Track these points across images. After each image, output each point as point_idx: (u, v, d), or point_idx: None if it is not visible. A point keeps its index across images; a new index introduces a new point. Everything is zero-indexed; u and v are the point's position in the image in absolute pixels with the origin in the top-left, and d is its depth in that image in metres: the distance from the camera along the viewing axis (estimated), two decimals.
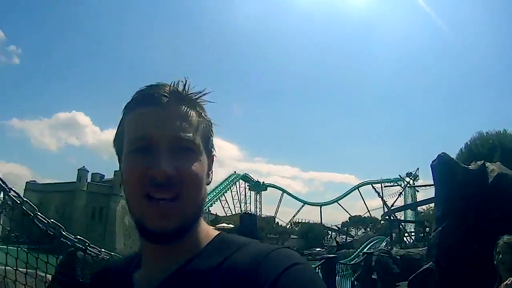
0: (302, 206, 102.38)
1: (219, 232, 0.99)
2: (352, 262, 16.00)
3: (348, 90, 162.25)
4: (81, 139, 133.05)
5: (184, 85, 0.95)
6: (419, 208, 59.48)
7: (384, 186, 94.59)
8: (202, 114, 0.97)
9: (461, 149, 43.55)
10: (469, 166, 6.30)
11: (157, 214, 0.85)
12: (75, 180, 64.83)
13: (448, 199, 6.05)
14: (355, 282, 13.72)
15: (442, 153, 6.22)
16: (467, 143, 43.09)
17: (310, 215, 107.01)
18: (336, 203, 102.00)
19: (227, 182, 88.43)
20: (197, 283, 0.85)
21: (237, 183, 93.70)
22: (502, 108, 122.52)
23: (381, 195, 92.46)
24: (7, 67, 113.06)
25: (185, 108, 0.93)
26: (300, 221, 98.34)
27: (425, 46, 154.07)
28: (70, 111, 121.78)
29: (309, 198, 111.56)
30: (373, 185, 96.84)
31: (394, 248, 25.90)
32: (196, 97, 0.96)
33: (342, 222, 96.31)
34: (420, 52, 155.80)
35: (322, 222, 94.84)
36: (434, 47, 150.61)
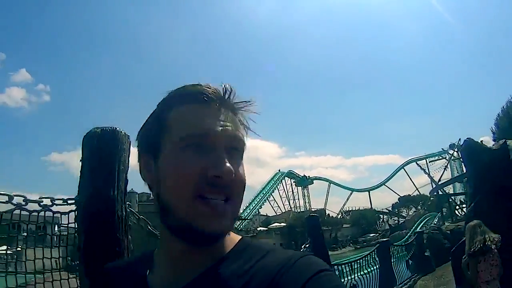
0: (351, 194, 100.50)
1: (241, 236, 0.99)
2: (405, 243, 16.57)
3: (378, 70, 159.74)
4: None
5: (230, 91, 0.93)
6: None
7: (429, 161, 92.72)
8: (244, 123, 0.96)
9: (498, 114, 43.15)
10: (492, 146, 7.08)
11: (213, 214, 0.83)
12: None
13: (477, 177, 6.81)
14: (410, 261, 14.33)
15: (468, 138, 6.95)
16: (503, 107, 42.65)
17: (359, 201, 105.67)
18: (383, 185, 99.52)
19: (272, 182, 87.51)
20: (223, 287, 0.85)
21: (283, 180, 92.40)
22: None
23: (427, 171, 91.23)
24: (39, 106, 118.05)
25: (235, 111, 0.93)
26: (350, 209, 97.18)
27: (455, 15, 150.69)
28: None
29: (356, 185, 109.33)
30: (418, 162, 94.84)
31: (445, 223, 26.18)
32: (244, 103, 0.95)
33: (392, 204, 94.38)
34: (450, 21, 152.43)
35: (372, 207, 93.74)
36: (464, 15, 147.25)
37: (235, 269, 0.86)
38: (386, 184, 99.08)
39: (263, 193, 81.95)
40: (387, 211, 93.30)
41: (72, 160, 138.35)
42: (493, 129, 44.83)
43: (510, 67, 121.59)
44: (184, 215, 0.84)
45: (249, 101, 0.95)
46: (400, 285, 11.11)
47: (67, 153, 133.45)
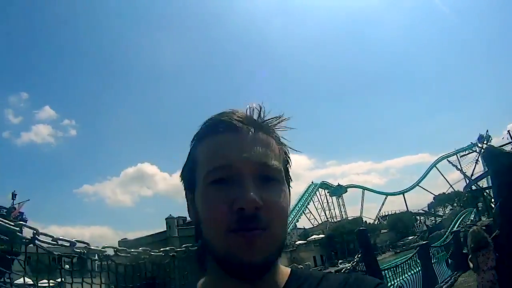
0: (385, 198, 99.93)
1: (290, 269, 0.97)
2: (443, 243, 16.94)
3: (399, 70, 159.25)
4: (152, 188, 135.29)
5: (259, 111, 0.92)
6: None
7: (460, 156, 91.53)
8: (280, 141, 0.93)
9: None
10: (511, 150, 7.83)
11: (246, 245, 0.80)
12: (165, 229, 66.91)
13: (500, 179, 7.53)
14: (449, 260, 14.74)
15: (489, 145, 7.61)
16: None
17: (394, 205, 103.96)
18: (417, 186, 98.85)
19: (307, 194, 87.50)
20: None
21: (317, 192, 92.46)
22: None
23: (459, 167, 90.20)
24: (66, 140, 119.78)
25: (264, 135, 0.88)
26: (386, 213, 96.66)
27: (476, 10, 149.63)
28: (135, 165, 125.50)
29: (389, 188, 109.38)
30: (448, 159, 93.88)
31: (482, 219, 26.35)
32: (274, 123, 0.93)
33: (428, 204, 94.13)
34: (473, 16, 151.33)
35: (408, 209, 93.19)
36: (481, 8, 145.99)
37: None
38: (419, 184, 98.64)
39: (298, 206, 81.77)
40: (423, 212, 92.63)
41: (104, 190, 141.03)
42: None
43: None
44: (220, 248, 0.82)
45: (279, 117, 0.93)
46: (442, 284, 11.45)
47: (99, 184, 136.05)
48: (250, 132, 0.86)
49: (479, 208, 41.98)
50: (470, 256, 7.18)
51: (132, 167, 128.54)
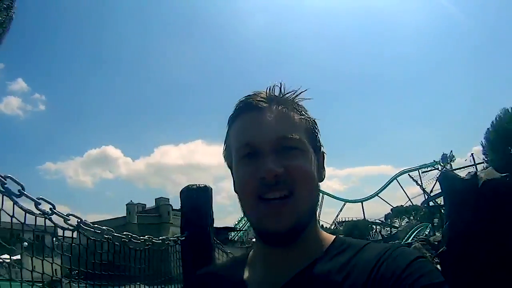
0: (344, 205, 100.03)
1: (336, 235, 1.02)
2: None
3: (371, 80, 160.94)
4: (114, 172, 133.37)
5: (280, 88, 1.00)
6: None
7: (422, 172, 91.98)
8: (303, 113, 0.99)
9: (488, 128, 44.76)
10: (465, 176, 8.53)
11: (271, 214, 0.88)
12: (124, 215, 66.27)
13: (452, 201, 8.21)
14: None
15: (444, 169, 8.33)
16: (492, 122, 44.23)
17: (352, 212, 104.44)
18: (376, 196, 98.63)
19: None
20: (324, 283, 0.87)
21: None
22: None
23: (419, 183, 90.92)
24: (34, 115, 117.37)
25: (284, 110, 0.96)
26: (343, 219, 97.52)
27: (448, 28, 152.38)
28: (100, 147, 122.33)
29: (349, 195, 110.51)
30: (410, 174, 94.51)
31: (436, 234, 27.42)
32: (292, 97, 1.00)
33: (385, 215, 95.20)
34: (442, 33, 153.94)
35: (366, 217, 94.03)
36: (456, 30, 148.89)
37: (332, 266, 0.89)
38: (379, 195, 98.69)
39: None
40: (380, 221, 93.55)
41: (67, 170, 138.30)
42: (483, 142, 46.43)
43: (502, 80, 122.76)
44: (254, 218, 0.93)
45: (295, 91, 1.01)
46: None
47: (62, 162, 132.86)
48: (270, 109, 0.95)
49: (435, 224, 43.16)
50: None
51: (96, 148, 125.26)
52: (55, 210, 1.78)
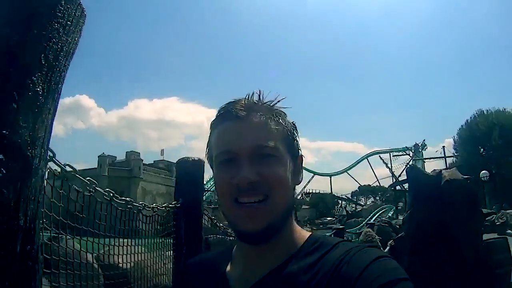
0: (312, 177, 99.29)
1: (311, 233, 1.03)
2: (358, 231, 18.42)
3: (355, 58, 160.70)
4: (86, 122, 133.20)
5: (259, 96, 1.02)
6: None
7: (393, 156, 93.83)
8: (280, 120, 1.01)
9: (462, 125, 45.92)
10: (430, 172, 9.17)
11: (245, 217, 0.93)
12: (95, 166, 65.13)
13: (416, 193, 8.75)
14: None
15: (412, 164, 8.85)
16: (467, 120, 45.35)
17: (320, 185, 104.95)
18: (345, 172, 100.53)
19: None
20: (292, 283, 0.90)
21: None
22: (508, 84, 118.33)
23: (389, 166, 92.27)
24: None
25: (262, 118, 0.98)
26: (310, 191, 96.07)
27: (433, 15, 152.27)
28: (74, 95, 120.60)
29: (318, 168, 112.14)
30: (381, 155, 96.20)
31: (399, 217, 28.25)
32: (270, 105, 1.02)
33: (352, 192, 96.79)
34: (428, 21, 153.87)
35: (332, 192, 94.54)
36: (442, 16, 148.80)
37: (301, 265, 0.92)
38: (348, 171, 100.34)
39: None
40: (346, 198, 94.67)
41: None
42: (455, 138, 47.59)
43: (489, 80, 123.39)
44: (230, 218, 0.98)
45: (273, 101, 1.03)
46: None
47: None
48: (248, 118, 0.97)
49: (399, 207, 43.84)
50: None
51: (70, 97, 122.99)
52: (55, 159, 1.66)
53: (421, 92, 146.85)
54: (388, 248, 9.65)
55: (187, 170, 3.76)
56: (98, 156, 67.01)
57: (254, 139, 0.95)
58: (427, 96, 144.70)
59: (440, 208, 8.13)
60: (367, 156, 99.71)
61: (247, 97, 1.02)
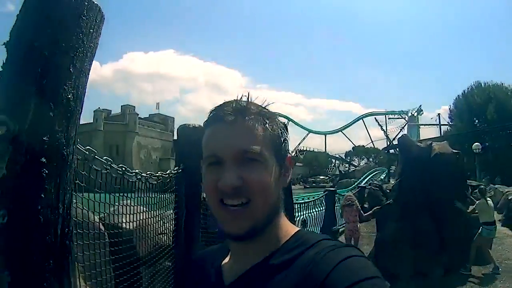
0: (307, 134, 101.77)
1: (298, 229, 1.05)
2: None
3: (354, 15, 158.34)
4: None
5: (247, 99, 1.01)
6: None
7: (388, 118, 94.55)
8: (267, 125, 1.00)
9: (459, 95, 45.92)
10: (421, 144, 9.45)
11: (230, 219, 0.94)
12: (90, 121, 65.28)
13: (406, 163, 9.09)
14: None
15: (404, 134, 9.03)
16: (464, 91, 45.36)
17: (315, 143, 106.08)
18: (340, 132, 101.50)
19: None
20: (266, 280, 0.93)
21: None
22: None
23: (384, 128, 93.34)
24: (2, 15, 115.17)
25: (250, 122, 0.97)
26: (305, 149, 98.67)
27: None
28: None
29: (313, 126, 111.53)
30: (376, 117, 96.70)
31: (391, 181, 28.54)
32: (257, 110, 1.01)
33: (346, 152, 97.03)
34: None
35: (326, 150, 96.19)
36: None
37: (279, 262, 0.95)
38: (343, 131, 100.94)
39: None
40: (340, 157, 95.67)
41: None
42: (451, 107, 47.74)
43: (485, 51, 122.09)
44: (217, 218, 0.98)
45: (263, 103, 1.04)
46: (339, 226, 13.06)
47: None
48: (236, 122, 0.96)
49: (391, 171, 44.26)
50: (342, 209, 10.53)
51: None
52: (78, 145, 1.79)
53: (422, 54, 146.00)
54: (370, 212, 10.56)
55: (187, 138, 3.92)
56: (94, 111, 67.33)
57: (239, 144, 0.95)
58: (428, 59, 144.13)
59: (428, 180, 8.51)
60: (363, 117, 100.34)
61: (237, 100, 1.02)
